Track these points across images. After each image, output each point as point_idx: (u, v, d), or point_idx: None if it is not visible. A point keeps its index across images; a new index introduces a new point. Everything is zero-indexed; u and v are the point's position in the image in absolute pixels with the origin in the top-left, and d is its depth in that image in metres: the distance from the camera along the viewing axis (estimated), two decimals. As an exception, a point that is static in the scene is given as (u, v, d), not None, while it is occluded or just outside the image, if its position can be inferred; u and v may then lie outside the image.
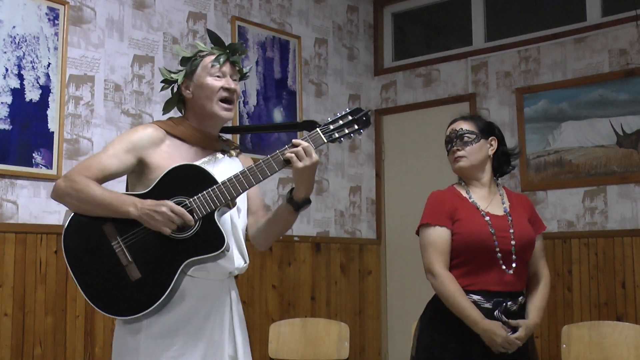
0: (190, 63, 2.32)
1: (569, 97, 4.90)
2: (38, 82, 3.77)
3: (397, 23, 6.02)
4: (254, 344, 4.57)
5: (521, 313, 2.61)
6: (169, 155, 2.22)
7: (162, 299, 2.08)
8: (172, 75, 2.35)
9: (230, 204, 2.15)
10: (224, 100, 2.28)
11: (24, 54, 3.72)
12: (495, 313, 2.52)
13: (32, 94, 3.74)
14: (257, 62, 4.91)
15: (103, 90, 4.06)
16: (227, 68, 2.30)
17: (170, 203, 2.07)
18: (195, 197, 2.11)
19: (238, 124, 4.63)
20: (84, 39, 4.00)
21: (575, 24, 5.01)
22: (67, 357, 3.71)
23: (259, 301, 4.69)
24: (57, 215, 3.77)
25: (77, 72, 3.96)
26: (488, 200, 2.69)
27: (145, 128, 2.26)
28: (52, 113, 3.80)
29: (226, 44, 2.34)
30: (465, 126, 2.73)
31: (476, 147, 2.70)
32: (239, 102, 4.74)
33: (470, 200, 2.68)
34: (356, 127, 2.17)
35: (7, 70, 3.65)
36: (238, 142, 4.64)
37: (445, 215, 2.64)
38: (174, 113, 2.40)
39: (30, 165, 3.69)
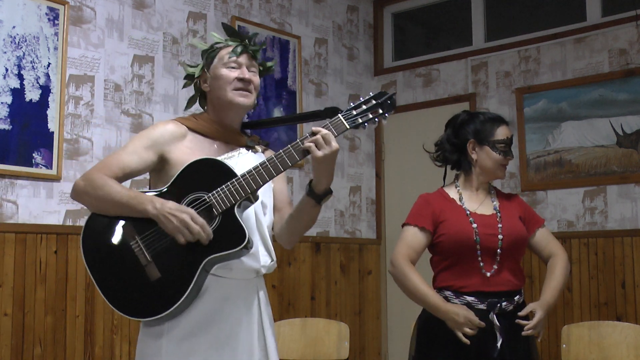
0: (206, 55, 2.27)
1: (569, 97, 4.90)
2: (38, 82, 3.77)
3: (397, 23, 6.02)
4: (254, 344, 4.58)
5: (518, 312, 2.59)
6: (191, 151, 2.15)
7: (182, 298, 2.00)
8: (190, 69, 2.30)
9: (251, 197, 2.06)
10: (239, 89, 2.22)
11: (24, 54, 3.72)
12: (489, 315, 2.51)
13: (32, 94, 3.74)
14: (257, 62, 4.91)
15: (103, 90, 4.06)
16: (243, 59, 2.24)
17: (192, 212, 2.00)
18: (214, 191, 2.03)
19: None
20: (83, 38, 4.00)
21: (575, 24, 5.00)
22: (67, 357, 3.71)
23: (259, 301, 4.69)
24: (56, 215, 3.77)
25: (77, 72, 3.96)
26: (478, 201, 2.68)
27: (165, 124, 2.21)
28: (52, 113, 3.80)
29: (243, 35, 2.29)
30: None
31: None
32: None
33: (459, 202, 2.66)
34: (380, 111, 2.08)
35: (7, 70, 3.65)
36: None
37: (427, 217, 2.63)
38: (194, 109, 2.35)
39: (30, 165, 3.69)
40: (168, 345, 2.08)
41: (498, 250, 2.57)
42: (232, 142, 2.25)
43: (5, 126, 3.63)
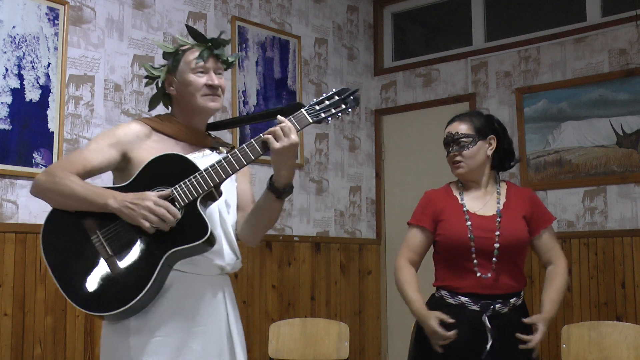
0: (172, 59, 2.28)
1: (569, 97, 4.90)
2: (38, 82, 3.77)
3: (397, 23, 6.02)
4: (254, 344, 4.58)
5: (515, 315, 2.58)
6: (155, 150, 2.15)
7: (143, 293, 1.98)
8: (154, 71, 2.31)
9: (214, 192, 2.07)
10: (208, 95, 2.23)
11: (24, 54, 3.72)
12: (482, 317, 2.51)
13: (32, 94, 3.74)
14: (257, 62, 4.91)
15: (103, 90, 4.06)
16: (210, 63, 2.25)
17: (153, 196, 2.00)
18: (177, 185, 2.04)
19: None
20: (83, 39, 4.00)
21: (575, 24, 5.01)
22: (67, 357, 3.71)
23: (258, 301, 4.69)
24: (57, 215, 3.77)
25: (77, 72, 3.96)
26: (483, 201, 2.65)
27: (129, 124, 2.23)
28: (52, 113, 3.80)
29: (207, 37, 2.29)
30: (461, 128, 2.66)
31: (474, 150, 2.64)
32: (239, 102, 4.74)
33: (460, 201, 2.66)
34: (343, 106, 2.12)
35: (7, 70, 3.65)
36: (238, 143, 4.64)
37: (428, 216, 2.67)
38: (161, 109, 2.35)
39: (30, 165, 3.69)
40: (137, 342, 2.07)
41: (494, 252, 2.55)
42: (197, 143, 2.27)
43: (5, 126, 3.63)
